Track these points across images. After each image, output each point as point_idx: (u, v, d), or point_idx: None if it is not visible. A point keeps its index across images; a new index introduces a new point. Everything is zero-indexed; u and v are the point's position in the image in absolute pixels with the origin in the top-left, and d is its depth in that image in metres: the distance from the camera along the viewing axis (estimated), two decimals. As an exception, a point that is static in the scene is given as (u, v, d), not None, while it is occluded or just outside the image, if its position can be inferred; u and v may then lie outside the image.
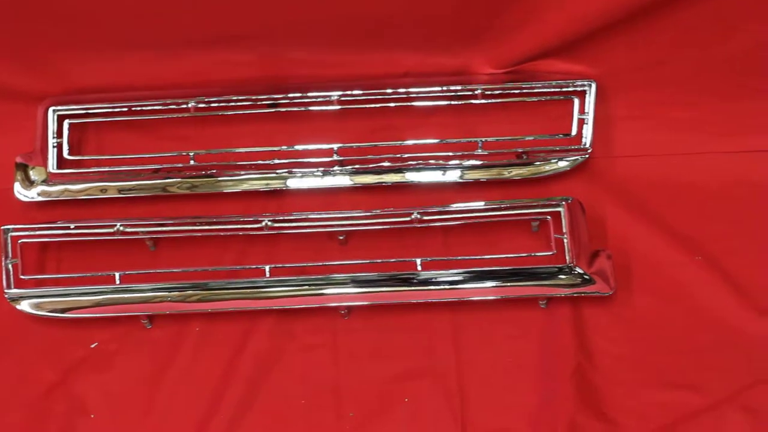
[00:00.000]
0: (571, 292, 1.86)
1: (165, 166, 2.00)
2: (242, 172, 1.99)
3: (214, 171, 1.99)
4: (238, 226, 1.92)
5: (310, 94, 1.98)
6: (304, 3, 1.87)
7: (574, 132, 1.99)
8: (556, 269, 1.87)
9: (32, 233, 1.93)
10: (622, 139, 2.04)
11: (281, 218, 1.92)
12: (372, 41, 1.96)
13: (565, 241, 1.89)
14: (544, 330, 1.88)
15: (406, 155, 2.00)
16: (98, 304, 1.89)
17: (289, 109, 1.99)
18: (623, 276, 1.91)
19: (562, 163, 1.99)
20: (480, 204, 1.92)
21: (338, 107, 1.98)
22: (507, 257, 1.90)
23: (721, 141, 2.04)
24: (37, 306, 1.89)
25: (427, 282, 1.88)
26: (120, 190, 1.99)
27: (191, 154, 1.99)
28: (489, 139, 1.99)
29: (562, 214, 1.90)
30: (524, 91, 1.98)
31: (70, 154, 2.00)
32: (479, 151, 1.98)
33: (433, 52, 1.99)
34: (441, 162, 1.99)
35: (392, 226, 1.91)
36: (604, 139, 2.03)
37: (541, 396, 1.82)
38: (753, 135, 2.04)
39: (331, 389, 1.85)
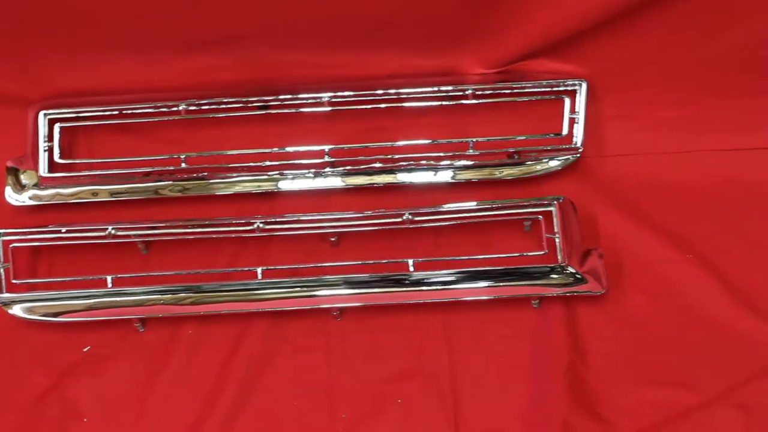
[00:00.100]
0: (563, 291, 1.87)
1: (156, 169, 2.00)
2: (234, 175, 1.99)
3: (206, 173, 1.99)
4: (230, 229, 1.92)
5: (300, 96, 1.98)
6: (294, 5, 1.87)
7: (564, 131, 1.99)
8: (548, 269, 1.87)
9: (24, 237, 1.92)
10: (613, 138, 2.05)
11: (273, 220, 1.92)
12: (362, 42, 1.96)
13: (557, 240, 1.89)
14: (536, 329, 1.88)
15: (398, 156, 2.00)
16: (91, 308, 1.88)
17: (279, 111, 1.99)
18: (615, 275, 1.91)
19: (554, 163, 1.99)
20: (472, 204, 1.92)
21: (329, 109, 1.98)
22: (499, 257, 1.90)
23: (711, 139, 2.05)
24: (29, 310, 1.89)
25: (419, 283, 1.88)
26: (111, 194, 1.99)
27: (182, 156, 1.99)
28: (480, 140, 1.99)
29: (554, 213, 1.90)
30: (515, 90, 1.98)
31: (61, 157, 2.00)
32: (470, 151, 1.98)
33: (424, 53, 1.99)
34: (432, 162, 1.99)
35: (384, 227, 1.91)
36: (594, 138, 2.03)
37: (534, 395, 1.82)
38: (743, 133, 2.05)
39: (324, 391, 1.85)
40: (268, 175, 1.99)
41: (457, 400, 1.83)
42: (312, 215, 1.93)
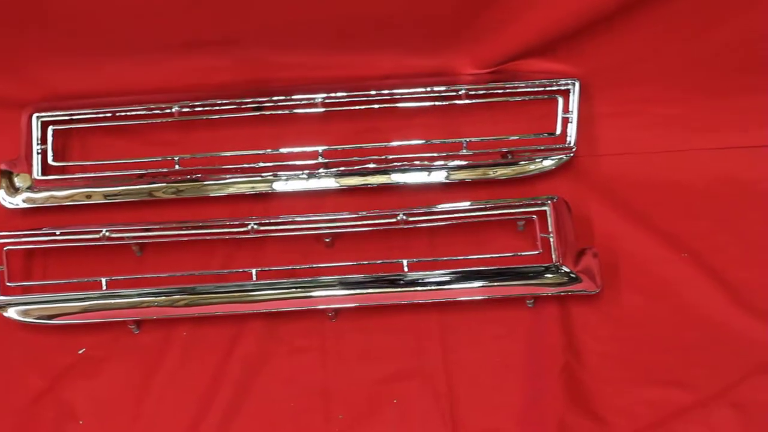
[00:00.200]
0: (558, 290, 1.87)
1: (150, 171, 2.00)
2: (228, 176, 1.99)
3: (200, 175, 1.99)
4: (225, 230, 1.92)
5: (294, 97, 1.98)
6: (287, 7, 1.87)
7: (558, 131, 1.99)
8: (543, 268, 1.87)
9: (18, 240, 1.92)
10: (607, 137, 2.05)
11: (267, 221, 1.92)
12: (355, 43, 1.96)
13: (551, 240, 1.89)
14: (531, 329, 1.88)
15: (391, 157, 2.00)
16: (85, 310, 1.88)
17: (273, 112, 1.99)
18: (610, 274, 1.91)
19: (547, 162, 1.99)
20: (466, 204, 1.92)
21: (322, 110, 1.98)
22: (493, 257, 1.90)
23: (706, 137, 2.05)
24: (24, 313, 1.88)
25: (414, 283, 1.88)
26: (105, 196, 1.99)
27: (176, 158, 1.98)
28: (474, 140, 1.99)
29: (548, 213, 1.90)
30: (508, 90, 1.98)
31: (54, 160, 2.00)
32: (464, 151, 1.98)
33: (416, 54, 1.99)
34: (426, 163, 1.99)
35: (378, 228, 1.91)
36: (588, 137, 2.03)
37: (529, 395, 1.82)
38: (737, 131, 2.05)
39: (320, 392, 1.85)
40: (262, 177, 1.99)
41: (453, 400, 1.83)
42: (306, 216, 1.93)
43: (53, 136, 2.00)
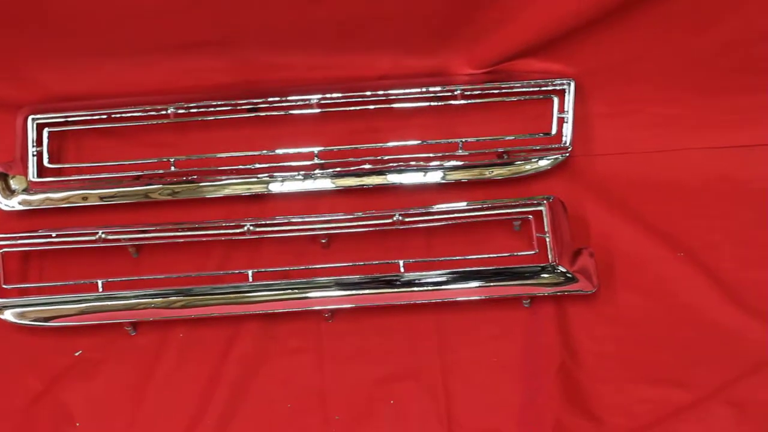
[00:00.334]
0: (554, 290, 1.87)
1: (146, 172, 1.99)
2: (223, 177, 1.99)
3: (195, 177, 1.99)
4: (221, 232, 1.92)
5: (289, 98, 1.98)
6: (282, 8, 1.87)
7: (554, 131, 1.99)
8: (539, 268, 1.87)
9: (14, 242, 1.92)
10: (602, 136, 2.05)
11: (263, 223, 1.92)
12: (350, 44, 1.96)
13: (548, 240, 1.89)
14: (528, 329, 1.88)
15: (387, 157, 2.00)
16: (82, 312, 1.88)
17: (268, 113, 1.99)
18: (606, 274, 1.91)
19: (543, 162, 1.99)
20: (462, 204, 1.92)
21: (318, 110, 1.98)
22: (490, 257, 1.90)
23: (701, 137, 2.05)
24: (20, 315, 1.88)
25: (410, 283, 1.88)
26: (101, 198, 1.99)
27: (172, 160, 1.98)
28: (469, 140, 1.99)
29: (544, 213, 1.90)
30: (503, 90, 1.98)
31: (50, 162, 2.00)
32: (460, 151, 1.98)
33: (412, 54, 1.99)
34: (422, 163, 1.99)
35: (374, 229, 1.91)
36: (584, 137, 2.03)
37: (526, 395, 1.82)
38: (732, 130, 2.05)
39: (317, 393, 1.85)
40: (258, 178, 1.99)
41: (450, 400, 1.83)
42: (302, 217, 1.93)
43: (49, 138, 2.00)
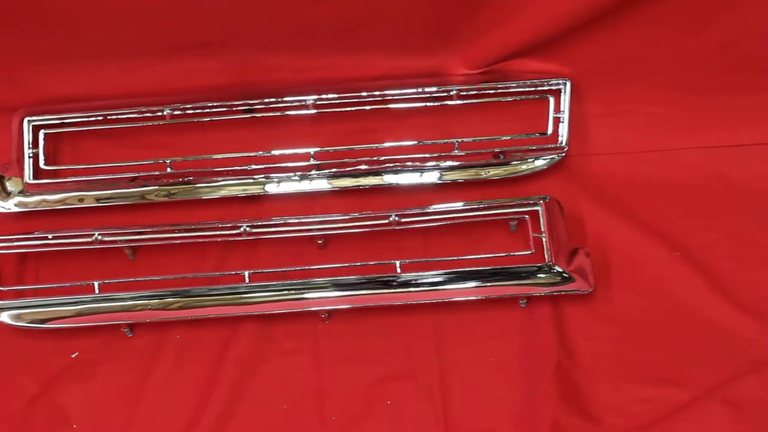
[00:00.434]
0: (551, 290, 1.87)
1: (142, 174, 1.99)
2: (220, 179, 1.99)
3: (192, 178, 1.99)
4: (217, 233, 1.92)
5: (285, 99, 1.98)
6: (277, 8, 1.87)
7: (550, 131, 2.00)
8: (536, 268, 1.87)
9: (10, 244, 1.92)
10: (598, 136, 2.05)
11: (260, 224, 1.92)
12: (346, 44, 1.96)
13: (544, 239, 1.89)
14: (524, 329, 1.88)
15: (384, 158, 2.00)
16: (78, 314, 1.88)
17: (264, 114, 1.99)
18: (602, 273, 1.91)
19: (539, 162, 1.99)
20: (458, 205, 1.92)
21: (314, 111, 1.98)
22: (486, 257, 1.90)
23: (697, 136, 2.05)
24: (16, 317, 1.88)
25: (407, 284, 1.88)
26: (97, 199, 1.99)
27: (168, 161, 1.98)
28: (466, 140, 1.99)
29: (540, 213, 1.91)
30: (499, 91, 1.98)
31: (46, 164, 2.00)
32: (456, 151, 1.99)
33: (408, 54, 1.99)
34: (418, 164, 1.99)
35: (371, 229, 1.91)
36: (579, 137, 2.03)
37: (523, 395, 1.82)
38: (728, 130, 2.05)
39: (314, 393, 1.85)
40: (254, 179, 1.99)
41: (447, 400, 1.83)
42: (298, 218, 1.93)
43: (45, 139, 1.99)
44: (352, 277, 1.88)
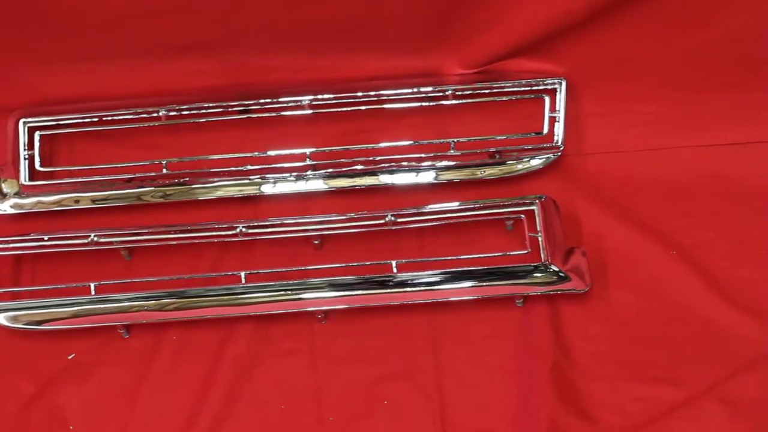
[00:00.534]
0: (547, 290, 1.87)
1: (138, 175, 1.99)
2: (215, 179, 1.99)
3: (188, 179, 1.99)
4: (213, 234, 1.92)
5: (281, 100, 1.98)
6: (273, 9, 1.87)
7: (545, 130, 1.99)
8: (532, 267, 1.87)
9: (6, 246, 1.92)
10: (594, 135, 2.05)
11: (256, 224, 1.92)
12: (341, 44, 1.96)
13: (540, 239, 1.89)
14: (521, 328, 1.88)
15: (379, 158, 2.00)
16: (75, 315, 1.88)
17: (260, 115, 1.99)
18: (598, 272, 1.91)
19: (535, 162, 2.00)
20: (454, 204, 1.92)
21: (310, 112, 1.98)
22: (482, 257, 1.90)
23: (692, 135, 2.05)
24: (12, 319, 1.88)
25: (403, 284, 1.88)
26: (93, 201, 1.99)
27: (164, 162, 1.98)
28: (461, 140, 1.99)
29: (536, 212, 1.91)
30: (495, 90, 1.98)
31: (42, 165, 1.99)
32: (452, 151, 1.99)
33: (403, 54, 1.99)
34: (414, 164, 1.99)
35: (367, 229, 1.91)
36: (575, 136, 2.04)
37: (520, 395, 1.82)
38: (724, 128, 2.05)
39: (311, 394, 1.85)
40: (250, 179, 1.99)
41: (444, 400, 1.83)
42: (295, 218, 1.93)
43: (40, 141, 1.99)
44: (348, 278, 1.88)
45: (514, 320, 1.89)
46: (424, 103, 1.99)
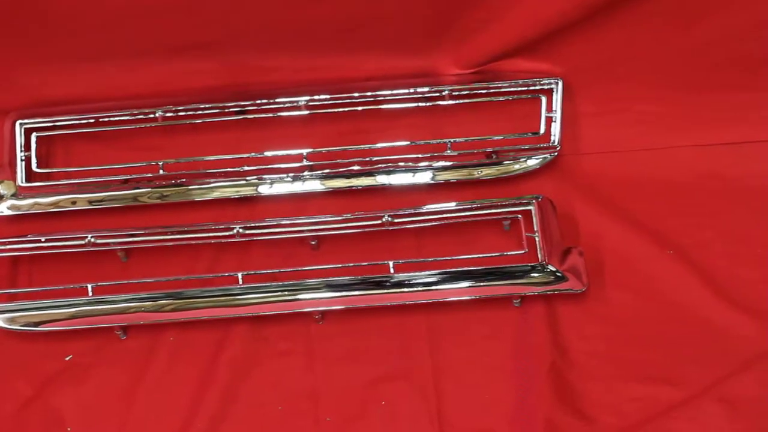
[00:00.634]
0: (545, 290, 1.87)
1: (134, 176, 1.99)
2: (212, 180, 1.99)
3: (184, 180, 1.99)
4: (210, 235, 1.92)
5: (277, 100, 1.98)
6: (269, 10, 1.87)
7: (542, 130, 1.99)
8: (529, 268, 1.87)
9: (3, 247, 1.92)
10: (590, 135, 2.05)
11: (253, 225, 1.92)
12: (338, 45, 1.96)
13: (537, 239, 1.89)
14: (518, 328, 1.88)
15: (376, 158, 2.00)
16: (72, 317, 1.88)
17: (257, 115, 1.99)
18: (596, 272, 1.91)
19: (532, 162, 2.00)
20: (451, 205, 1.92)
21: (306, 112, 1.98)
22: (479, 257, 1.89)
23: (689, 134, 2.05)
24: (10, 320, 1.88)
25: (400, 284, 1.87)
26: (90, 202, 1.99)
27: (160, 163, 1.98)
28: (458, 140, 1.99)
29: (533, 212, 1.90)
30: (491, 90, 1.98)
31: (38, 167, 1.99)
32: (449, 152, 1.99)
33: (399, 55, 1.99)
34: (411, 164, 1.99)
35: (364, 230, 1.91)
36: (572, 136, 2.04)
37: (517, 395, 1.82)
38: (721, 128, 2.05)
39: (308, 395, 1.84)
40: (247, 180, 1.99)
41: (441, 400, 1.82)
42: (291, 219, 1.93)
43: (37, 142, 1.99)
44: (345, 278, 1.88)
45: (512, 320, 1.89)
46: (421, 104, 1.99)
